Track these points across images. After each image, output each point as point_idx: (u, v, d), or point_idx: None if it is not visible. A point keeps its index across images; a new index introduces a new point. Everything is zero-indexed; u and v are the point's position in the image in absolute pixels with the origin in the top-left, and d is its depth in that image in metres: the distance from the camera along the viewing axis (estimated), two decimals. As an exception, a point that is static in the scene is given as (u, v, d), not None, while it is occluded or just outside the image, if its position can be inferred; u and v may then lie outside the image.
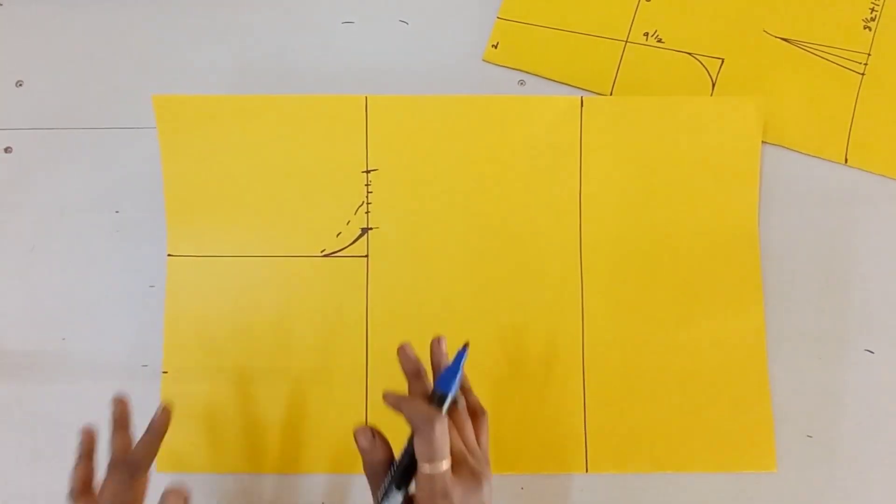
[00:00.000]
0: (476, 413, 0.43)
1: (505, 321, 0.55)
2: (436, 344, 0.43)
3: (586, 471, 0.54)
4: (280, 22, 0.61)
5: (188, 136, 0.56)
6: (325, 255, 0.56)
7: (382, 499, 0.38)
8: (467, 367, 0.42)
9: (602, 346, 0.55)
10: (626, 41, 0.60)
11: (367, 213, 0.56)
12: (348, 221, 0.56)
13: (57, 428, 0.55)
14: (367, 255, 0.56)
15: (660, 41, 0.60)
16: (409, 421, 0.38)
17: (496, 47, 0.60)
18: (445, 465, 0.37)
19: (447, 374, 0.41)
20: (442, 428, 0.37)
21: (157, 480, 0.53)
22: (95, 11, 0.61)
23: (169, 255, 0.56)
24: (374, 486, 0.40)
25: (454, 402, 0.41)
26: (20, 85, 0.60)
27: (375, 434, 0.40)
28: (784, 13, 0.60)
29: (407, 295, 0.55)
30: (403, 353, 0.43)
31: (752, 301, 0.55)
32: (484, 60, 0.60)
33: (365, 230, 0.56)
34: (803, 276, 0.56)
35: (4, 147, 0.59)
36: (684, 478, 0.54)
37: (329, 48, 0.60)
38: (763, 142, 0.57)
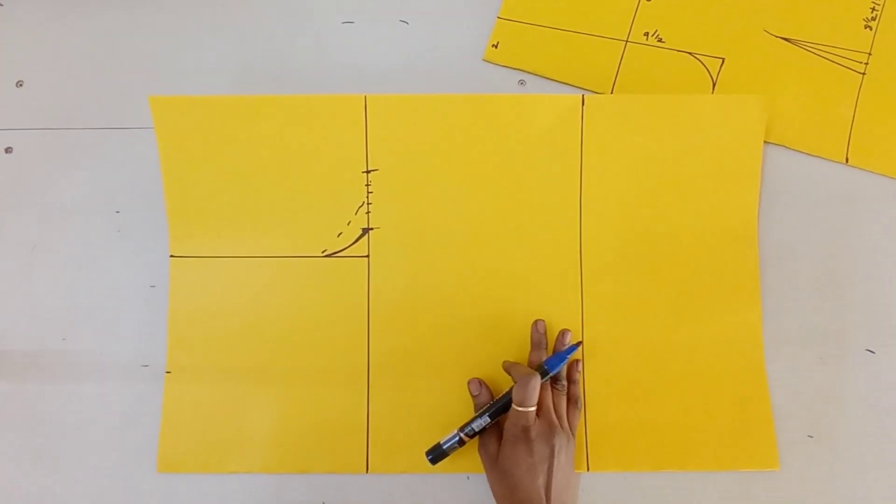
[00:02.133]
0: (572, 400, 0.53)
1: (505, 320, 0.55)
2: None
3: (587, 470, 0.54)
4: (280, 22, 0.61)
5: (187, 136, 0.56)
6: (326, 256, 0.56)
7: (474, 418, 0.51)
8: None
9: (602, 345, 0.55)
10: (627, 41, 0.60)
11: (368, 213, 0.56)
12: (349, 222, 0.56)
13: (57, 428, 0.55)
14: (367, 255, 0.56)
15: (660, 41, 0.60)
16: (513, 377, 0.50)
17: (496, 47, 0.60)
18: (532, 410, 0.49)
19: (555, 357, 0.52)
20: (535, 384, 0.48)
21: (158, 480, 0.54)
22: (95, 12, 0.61)
23: (171, 255, 0.56)
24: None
25: (556, 383, 0.52)
26: (20, 85, 0.60)
27: (482, 383, 0.53)
28: (785, 13, 0.60)
29: (407, 295, 0.55)
30: (535, 327, 0.54)
31: (749, 299, 0.55)
32: (484, 60, 0.60)
33: (366, 230, 0.56)
34: (803, 276, 0.56)
35: (4, 147, 0.59)
36: (686, 476, 0.54)
37: (329, 48, 0.60)
38: (763, 141, 0.57)
